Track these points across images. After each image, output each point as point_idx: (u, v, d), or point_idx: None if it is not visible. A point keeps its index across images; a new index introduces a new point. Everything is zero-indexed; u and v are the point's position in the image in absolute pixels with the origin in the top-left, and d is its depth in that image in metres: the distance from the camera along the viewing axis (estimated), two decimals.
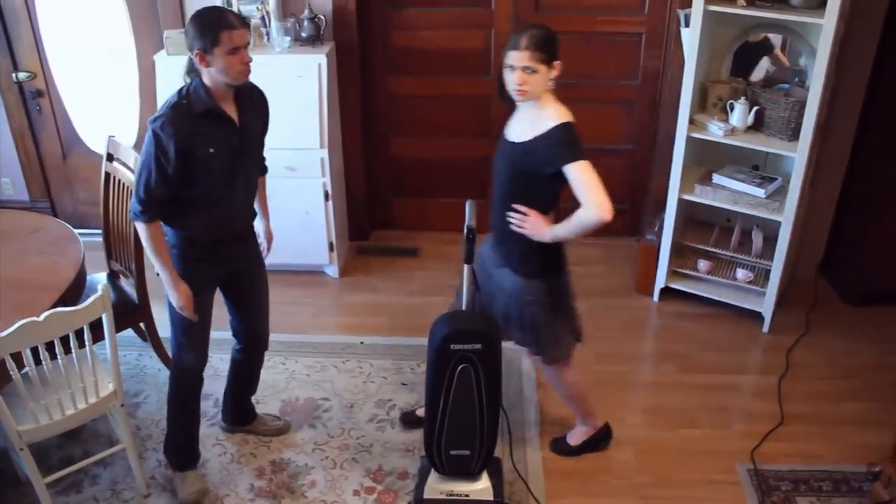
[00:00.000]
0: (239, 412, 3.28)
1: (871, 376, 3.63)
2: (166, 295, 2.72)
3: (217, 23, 2.44)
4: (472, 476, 2.83)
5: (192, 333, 2.82)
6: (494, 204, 2.76)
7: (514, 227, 2.65)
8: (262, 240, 3.03)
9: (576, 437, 3.19)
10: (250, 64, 2.53)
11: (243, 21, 2.53)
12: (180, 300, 2.68)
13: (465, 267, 2.67)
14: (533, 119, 2.59)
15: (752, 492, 2.99)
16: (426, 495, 2.84)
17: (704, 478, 3.07)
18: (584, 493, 3.00)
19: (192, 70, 2.55)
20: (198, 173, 2.56)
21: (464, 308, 2.73)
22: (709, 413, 3.41)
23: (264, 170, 2.99)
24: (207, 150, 2.53)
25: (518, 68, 2.50)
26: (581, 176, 2.48)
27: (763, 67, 3.93)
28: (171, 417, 2.99)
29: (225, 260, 2.80)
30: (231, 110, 2.60)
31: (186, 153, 2.49)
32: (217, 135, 2.56)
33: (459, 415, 2.68)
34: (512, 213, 2.65)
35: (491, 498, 2.83)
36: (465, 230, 2.64)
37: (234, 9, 4.02)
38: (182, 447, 3.02)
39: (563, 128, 2.53)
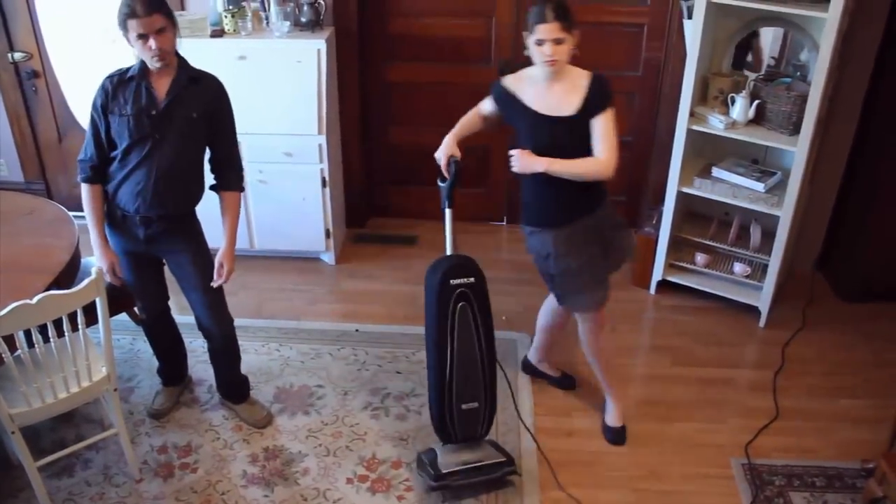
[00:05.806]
0: (221, 385, 3.35)
1: (866, 372, 3.63)
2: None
3: (124, 9, 2.51)
4: (480, 441, 2.93)
5: (135, 291, 3.07)
6: (527, 179, 2.83)
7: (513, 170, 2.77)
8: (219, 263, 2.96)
9: (616, 417, 3.22)
10: (164, 50, 2.57)
11: (152, 7, 2.50)
12: (102, 264, 2.85)
13: (447, 211, 2.78)
14: (567, 88, 2.70)
15: (746, 486, 2.99)
16: (444, 469, 2.85)
17: (698, 471, 3.07)
18: (577, 485, 2.99)
19: None
20: (115, 133, 2.69)
21: (447, 252, 2.85)
22: (704, 407, 3.41)
23: (233, 184, 2.91)
24: (122, 110, 2.66)
25: (548, 41, 2.58)
26: (606, 125, 2.66)
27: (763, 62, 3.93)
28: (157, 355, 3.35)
29: (134, 237, 2.86)
30: (162, 85, 2.68)
31: (105, 108, 2.68)
32: (136, 100, 2.66)
33: (465, 361, 2.79)
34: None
35: (502, 459, 2.93)
36: (452, 164, 2.84)
37: None
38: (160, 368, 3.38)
39: (598, 79, 2.71)
